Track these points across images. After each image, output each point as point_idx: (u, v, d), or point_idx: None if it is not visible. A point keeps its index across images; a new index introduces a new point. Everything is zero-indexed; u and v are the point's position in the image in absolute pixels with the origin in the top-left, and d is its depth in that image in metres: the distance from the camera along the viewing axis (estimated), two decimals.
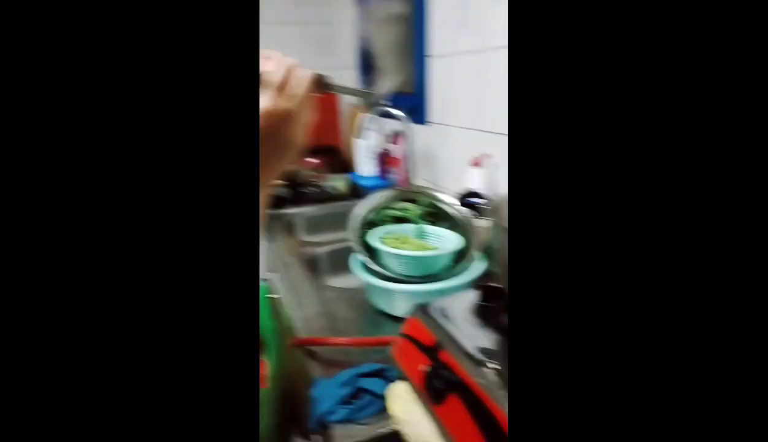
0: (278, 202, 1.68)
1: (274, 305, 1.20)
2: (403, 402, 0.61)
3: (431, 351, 0.57)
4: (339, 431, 0.60)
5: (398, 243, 0.91)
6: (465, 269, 0.84)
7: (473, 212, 0.70)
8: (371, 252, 0.89)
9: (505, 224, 0.54)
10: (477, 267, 0.85)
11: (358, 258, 0.89)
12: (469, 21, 1.15)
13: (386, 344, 0.73)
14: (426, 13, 1.36)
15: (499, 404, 0.46)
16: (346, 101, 1.97)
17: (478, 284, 0.68)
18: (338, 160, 1.94)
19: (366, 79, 1.90)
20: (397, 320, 0.83)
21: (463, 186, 1.07)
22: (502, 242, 0.57)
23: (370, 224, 0.96)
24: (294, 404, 0.89)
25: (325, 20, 1.92)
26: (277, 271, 1.15)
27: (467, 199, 0.77)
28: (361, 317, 0.88)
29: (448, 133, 1.33)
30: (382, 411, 0.62)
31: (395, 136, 1.51)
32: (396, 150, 1.50)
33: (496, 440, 0.45)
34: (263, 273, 1.20)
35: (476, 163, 1.07)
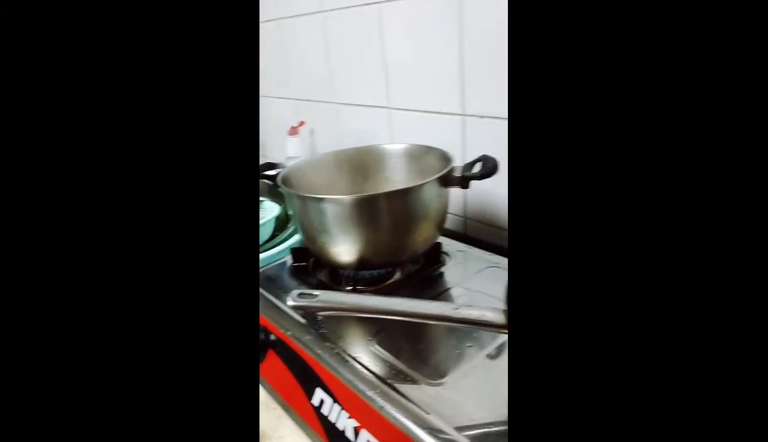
0: None
1: None
2: None
3: None
4: None
5: None
6: (286, 236, 0.88)
7: (272, 182, 0.71)
8: None
9: (299, 191, 0.58)
10: (294, 233, 0.89)
11: None
12: None
13: None
14: None
15: (311, 353, 0.51)
16: None
17: (292, 248, 0.73)
18: None
19: None
20: None
21: (285, 154, 1.10)
22: (296, 208, 0.61)
23: None
24: None
25: None
26: None
27: (265, 169, 0.76)
28: None
29: (268, 104, 1.33)
30: None
31: None
32: None
33: (309, 386, 0.51)
34: None
35: (293, 132, 1.10)
